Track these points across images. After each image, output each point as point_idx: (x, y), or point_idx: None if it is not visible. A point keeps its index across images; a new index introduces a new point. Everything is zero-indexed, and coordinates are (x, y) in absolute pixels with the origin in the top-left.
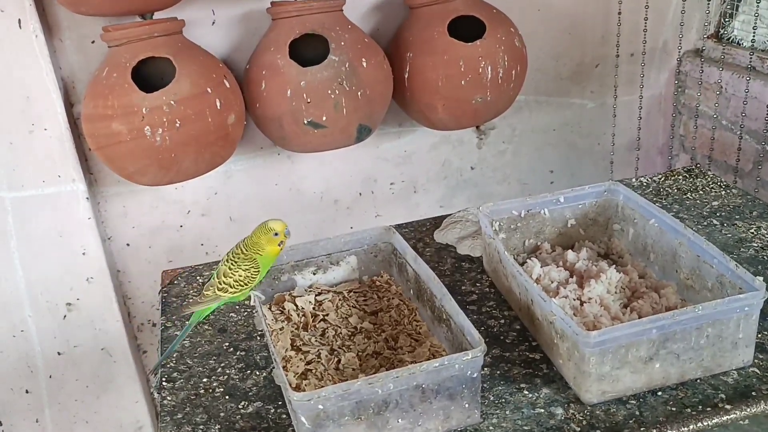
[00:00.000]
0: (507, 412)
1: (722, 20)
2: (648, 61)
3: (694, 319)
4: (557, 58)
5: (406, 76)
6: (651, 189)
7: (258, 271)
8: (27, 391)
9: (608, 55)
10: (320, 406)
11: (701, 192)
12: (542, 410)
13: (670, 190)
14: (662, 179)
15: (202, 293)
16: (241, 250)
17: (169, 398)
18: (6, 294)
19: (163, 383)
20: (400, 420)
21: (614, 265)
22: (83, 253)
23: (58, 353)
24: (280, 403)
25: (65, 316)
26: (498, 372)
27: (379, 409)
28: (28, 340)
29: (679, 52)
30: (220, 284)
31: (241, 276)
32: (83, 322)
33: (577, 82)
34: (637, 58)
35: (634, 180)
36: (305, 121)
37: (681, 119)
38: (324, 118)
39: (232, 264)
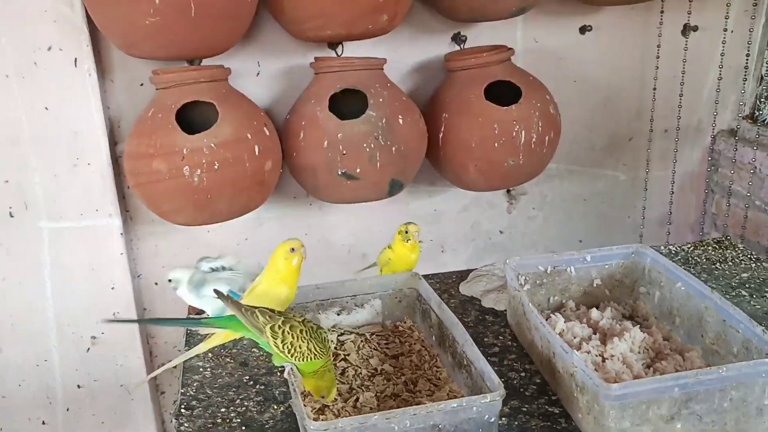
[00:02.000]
0: None
1: (758, 102)
2: (682, 138)
3: (718, 380)
4: (591, 128)
5: (441, 136)
6: (680, 257)
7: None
8: (43, 422)
9: (642, 129)
10: None
11: (731, 263)
12: None
13: (699, 260)
14: (691, 249)
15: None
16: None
17: (186, 425)
18: (35, 323)
19: (182, 410)
20: None
21: (639, 326)
22: (112, 288)
23: (78, 386)
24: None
25: (89, 350)
26: (516, 423)
27: None
28: (50, 370)
29: (713, 130)
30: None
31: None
32: (106, 356)
33: (610, 153)
34: (671, 134)
35: (662, 247)
36: (339, 172)
37: (713, 197)
38: (358, 170)
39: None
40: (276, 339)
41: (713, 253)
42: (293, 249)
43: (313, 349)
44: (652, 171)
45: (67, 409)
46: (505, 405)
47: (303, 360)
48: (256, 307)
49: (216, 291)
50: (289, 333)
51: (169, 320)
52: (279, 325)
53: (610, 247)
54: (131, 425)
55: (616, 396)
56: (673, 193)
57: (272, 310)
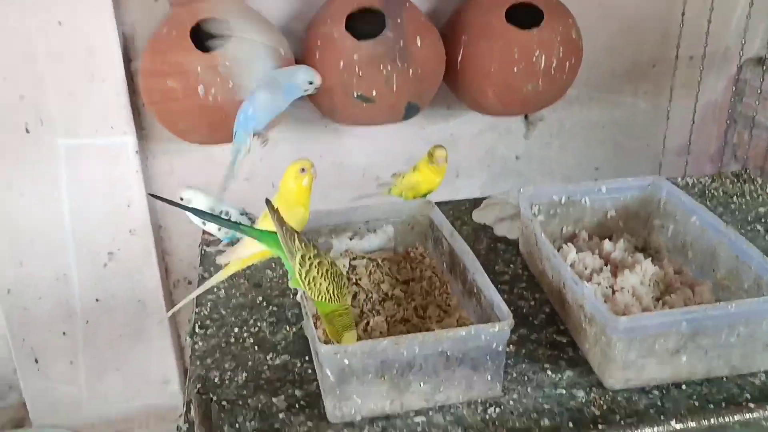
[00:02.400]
0: (528, 390)
1: None
2: (707, 66)
3: (727, 316)
4: (613, 54)
5: (459, 59)
6: (697, 190)
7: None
8: (64, 333)
9: (666, 56)
10: (346, 361)
11: (748, 197)
12: (564, 391)
13: (716, 193)
14: (709, 181)
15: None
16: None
17: (200, 343)
18: (53, 238)
19: (196, 329)
20: (422, 384)
21: (650, 259)
22: (128, 206)
23: (96, 300)
24: (306, 358)
25: (105, 265)
26: (523, 351)
27: (402, 371)
28: (68, 284)
29: (741, 59)
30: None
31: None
32: (122, 272)
33: (632, 80)
34: (696, 62)
35: (680, 179)
36: (355, 94)
37: (735, 128)
38: (374, 93)
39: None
40: (302, 267)
41: (731, 186)
42: (303, 169)
43: (330, 292)
44: (674, 99)
45: (87, 322)
46: (514, 333)
47: (317, 297)
48: (296, 232)
49: (267, 200)
50: (315, 267)
51: (210, 215)
52: (310, 257)
53: (626, 178)
54: (147, 339)
55: (624, 329)
56: (694, 122)
57: (309, 240)
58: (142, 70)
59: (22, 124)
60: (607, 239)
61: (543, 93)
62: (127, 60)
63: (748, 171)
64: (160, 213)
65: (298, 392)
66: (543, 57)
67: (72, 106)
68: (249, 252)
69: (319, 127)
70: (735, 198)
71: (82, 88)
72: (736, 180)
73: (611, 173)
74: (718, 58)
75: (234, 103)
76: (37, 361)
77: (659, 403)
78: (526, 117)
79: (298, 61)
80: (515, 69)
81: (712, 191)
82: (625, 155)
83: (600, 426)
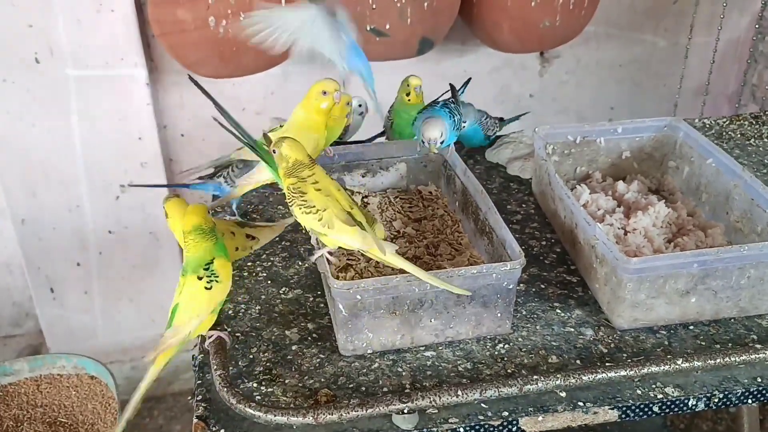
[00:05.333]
0: (537, 327)
1: None
2: (730, 2)
3: (738, 259)
4: None
5: None
6: (713, 131)
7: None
8: (78, 264)
9: None
10: (358, 296)
11: (766, 140)
12: (572, 329)
13: (734, 135)
14: (727, 123)
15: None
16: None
17: None
18: (65, 169)
19: None
20: (433, 320)
21: (664, 201)
22: (139, 138)
23: (109, 232)
24: (318, 292)
25: (118, 197)
26: (533, 289)
27: (413, 307)
28: (82, 216)
29: None
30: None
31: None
32: (134, 204)
33: (652, 17)
34: None
35: (697, 120)
36: (368, 28)
37: (756, 67)
38: (387, 26)
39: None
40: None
41: (749, 128)
42: (325, 92)
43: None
44: (694, 37)
45: (100, 253)
46: (524, 272)
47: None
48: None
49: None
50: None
51: (236, 123)
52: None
53: (643, 119)
54: (160, 270)
55: (634, 269)
56: (713, 61)
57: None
58: (151, 0)
59: (31, 54)
60: (620, 180)
61: (560, 29)
62: None
63: (766, 112)
64: (171, 146)
65: (310, 325)
66: None
67: (81, 36)
68: (265, 177)
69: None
70: (753, 140)
71: (90, 18)
72: (754, 122)
73: (626, 113)
74: None
75: (244, 36)
76: (52, 291)
77: (666, 342)
78: (541, 54)
79: None
80: (532, 3)
81: (730, 133)
82: (641, 95)
83: (607, 363)
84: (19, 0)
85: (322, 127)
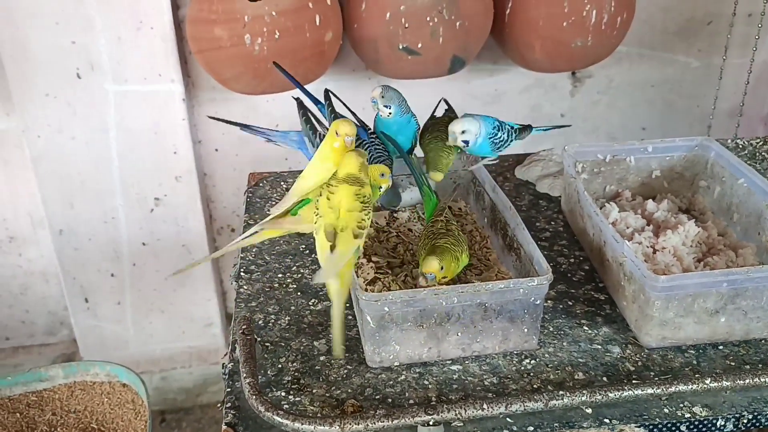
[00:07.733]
0: (564, 344)
1: None
2: (766, 24)
3: None
4: (667, 10)
5: (508, 12)
6: (747, 152)
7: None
8: (112, 275)
9: (723, 12)
10: (386, 309)
11: None
12: (599, 347)
13: (767, 155)
14: (760, 143)
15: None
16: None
17: (245, 287)
18: (102, 182)
19: (241, 273)
20: (459, 334)
21: (694, 220)
22: (174, 153)
23: (143, 243)
24: (347, 305)
25: (152, 210)
26: (561, 306)
27: (441, 320)
28: (117, 227)
29: None
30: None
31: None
32: (168, 217)
33: (685, 38)
34: (754, 19)
35: (729, 141)
36: (400, 46)
37: None
38: (419, 45)
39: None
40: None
41: None
42: (337, 133)
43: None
44: (728, 58)
45: (134, 264)
46: (552, 289)
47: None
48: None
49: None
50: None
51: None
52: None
53: (674, 138)
54: (191, 283)
55: (662, 287)
56: (748, 83)
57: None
58: (190, 17)
59: (73, 69)
60: (650, 199)
61: (592, 49)
62: (175, 7)
63: None
64: (205, 160)
65: None
66: (594, 11)
67: (121, 53)
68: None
69: (362, 79)
70: None
71: (130, 35)
72: None
73: (658, 134)
74: None
75: (279, 54)
76: (86, 300)
77: (695, 362)
78: (573, 74)
79: (342, 10)
80: (564, 23)
81: (763, 153)
82: (673, 116)
83: (634, 381)
84: (63, 18)
85: (337, 160)
